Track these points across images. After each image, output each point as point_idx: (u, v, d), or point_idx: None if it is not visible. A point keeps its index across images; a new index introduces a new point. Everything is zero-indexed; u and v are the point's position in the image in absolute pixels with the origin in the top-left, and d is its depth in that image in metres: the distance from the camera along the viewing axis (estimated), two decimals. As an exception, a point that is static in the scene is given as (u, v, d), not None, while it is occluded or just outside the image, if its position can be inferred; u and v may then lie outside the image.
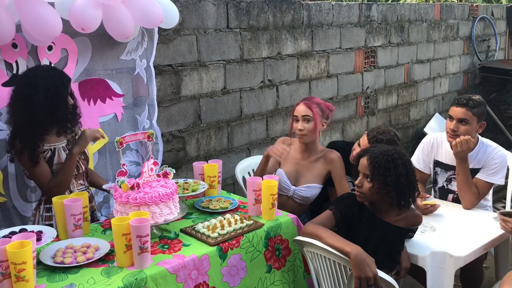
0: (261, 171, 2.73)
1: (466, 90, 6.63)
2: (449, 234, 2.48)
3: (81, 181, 2.48)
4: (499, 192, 4.32)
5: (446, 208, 2.78)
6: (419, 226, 2.30)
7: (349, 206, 2.19)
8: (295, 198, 2.71)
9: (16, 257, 1.61)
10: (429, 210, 2.70)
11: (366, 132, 2.72)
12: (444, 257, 2.27)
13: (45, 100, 2.24)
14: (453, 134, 2.76)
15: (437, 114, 6.10)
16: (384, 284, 1.95)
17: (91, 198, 2.55)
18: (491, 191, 2.97)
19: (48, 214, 2.41)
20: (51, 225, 2.34)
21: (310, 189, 2.69)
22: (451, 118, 2.78)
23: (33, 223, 2.43)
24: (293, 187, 2.70)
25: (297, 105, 2.71)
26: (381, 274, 1.95)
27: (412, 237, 2.34)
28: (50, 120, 2.29)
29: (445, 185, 2.96)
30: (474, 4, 6.56)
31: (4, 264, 1.64)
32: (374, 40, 4.99)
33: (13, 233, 1.99)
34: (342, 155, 2.75)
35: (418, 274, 2.53)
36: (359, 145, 2.71)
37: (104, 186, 2.39)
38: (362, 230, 2.17)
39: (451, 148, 2.78)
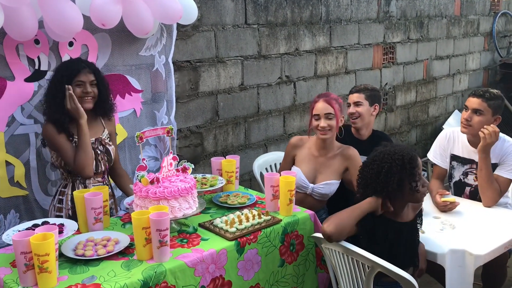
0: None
1: (486, 87, 6.53)
2: (468, 231, 2.45)
3: (99, 179, 2.49)
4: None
5: (465, 205, 2.75)
6: (439, 223, 2.28)
7: (365, 219, 2.17)
8: (314, 195, 2.71)
9: (39, 248, 1.65)
10: (448, 207, 2.67)
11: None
12: (464, 255, 2.25)
13: (49, 90, 2.35)
14: (466, 124, 2.76)
15: (456, 111, 6.03)
16: (404, 283, 1.94)
17: (110, 196, 2.53)
18: (511, 188, 2.93)
19: (59, 205, 2.43)
20: (61, 217, 2.38)
21: (328, 186, 2.68)
22: (466, 108, 2.79)
23: (48, 215, 2.47)
24: (312, 185, 2.69)
25: (316, 102, 2.69)
26: (401, 272, 1.93)
27: (420, 225, 2.30)
28: (56, 107, 2.32)
29: (462, 178, 2.93)
30: (495, 0, 6.45)
31: (28, 256, 1.67)
32: (393, 36, 4.94)
33: (36, 225, 2.03)
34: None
35: (436, 272, 2.51)
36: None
37: (125, 202, 2.35)
38: (384, 240, 2.14)
39: (468, 142, 2.80)
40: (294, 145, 2.81)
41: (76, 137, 2.37)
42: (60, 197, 2.44)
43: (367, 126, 3.04)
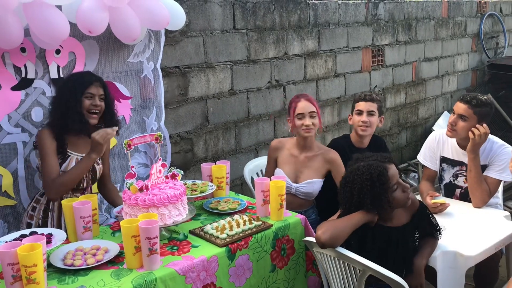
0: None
1: (474, 88, 6.58)
2: (459, 233, 2.46)
3: (78, 194, 2.43)
4: (509, 190, 4.29)
5: (455, 206, 2.76)
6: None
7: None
8: (298, 195, 2.74)
9: (26, 259, 1.63)
10: (439, 209, 2.68)
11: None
12: (455, 257, 2.25)
13: (59, 100, 2.33)
14: (451, 128, 2.80)
15: (445, 112, 6.06)
16: (395, 286, 1.94)
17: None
18: (500, 189, 2.95)
19: (32, 213, 2.41)
20: (31, 225, 2.38)
21: (311, 184, 2.72)
22: (453, 112, 2.80)
23: (22, 221, 2.44)
24: (295, 185, 2.73)
25: (297, 102, 2.73)
26: (392, 275, 1.93)
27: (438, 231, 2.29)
28: (63, 120, 2.31)
29: (452, 180, 2.95)
30: (482, 1, 6.51)
31: (15, 267, 1.65)
32: (382, 38, 4.97)
33: (23, 236, 2.01)
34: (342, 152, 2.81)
35: (428, 274, 2.51)
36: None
37: (114, 211, 2.33)
38: (373, 244, 2.14)
39: (458, 144, 2.83)
40: (275, 148, 2.86)
41: (68, 150, 2.36)
42: (34, 204, 2.42)
43: (371, 135, 3.03)
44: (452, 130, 2.79)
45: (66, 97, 2.31)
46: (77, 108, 2.31)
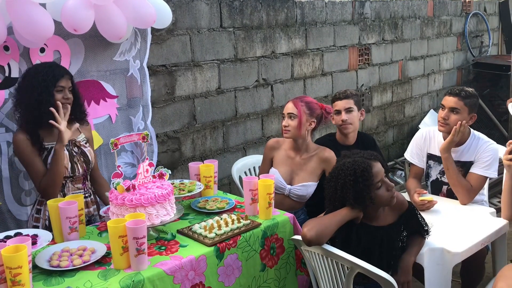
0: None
1: (460, 86, 6.65)
2: (446, 230, 2.48)
3: (79, 185, 2.44)
4: (495, 187, 4.33)
5: (442, 203, 2.79)
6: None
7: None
8: (292, 197, 2.72)
9: (11, 261, 1.60)
10: (426, 206, 2.69)
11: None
12: (442, 254, 2.27)
13: (30, 94, 2.26)
14: (443, 123, 2.79)
15: (431, 110, 6.12)
16: (383, 283, 1.95)
17: (89, 203, 2.47)
18: (486, 186, 2.97)
19: (37, 215, 2.39)
20: (38, 227, 2.34)
21: (305, 187, 2.70)
22: (443, 107, 2.82)
23: (27, 225, 2.41)
24: (289, 186, 2.71)
25: (287, 103, 2.77)
26: (380, 272, 1.94)
27: (424, 229, 2.28)
28: (36, 113, 2.27)
29: (438, 177, 2.97)
30: (467, 0, 6.58)
31: (0, 269, 1.62)
32: (368, 37, 4.99)
33: (8, 237, 1.97)
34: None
35: (415, 270, 2.53)
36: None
37: (101, 211, 2.30)
38: (357, 243, 2.14)
39: (444, 139, 2.81)
40: (271, 147, 2.85)
41: (48, 143, 2.33)
42: (38, 207, 2.39)
43: (355, 131, 3.05)
44: (445, 124, 2.78)
45: (38, 90, 2.26)
46: (50, 101, 2.28)
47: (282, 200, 2.69)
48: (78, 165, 2.41)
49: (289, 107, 2.72)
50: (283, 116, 2.75)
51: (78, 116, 2.45)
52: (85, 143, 2.49)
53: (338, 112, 3.00)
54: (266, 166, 2.86)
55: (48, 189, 2.29)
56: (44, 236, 2.03)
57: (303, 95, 2.89)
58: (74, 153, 2.41)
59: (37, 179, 2.31)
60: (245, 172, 3.36)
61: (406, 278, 2.17)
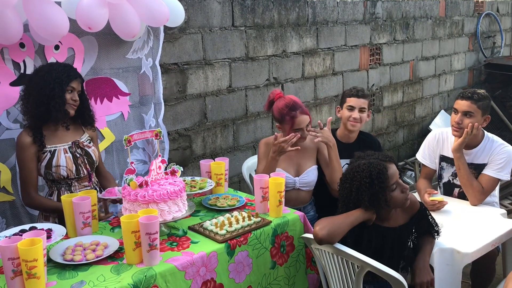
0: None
1: (471, 87, 6.61)
2: (456, 230, 2.48)
3: (86, 183, 2.47)
4: (506, 189, 4.31)
5: (453, 204, 2.78)
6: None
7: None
8: (302, 187, 2.74)
9: (27, 254, 1.63)
10: (437, 206, 2.70)
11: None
12: (452, 254, 2.27)
13: (40, 89, 2.28)
14: (457, 127, 2.77)
15: (442, 111, 6.09)
16: (393, 282, 1.95)
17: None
18: (497, 187, 2.96)
19: (46, 213, 2.43)
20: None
21: (310, 172, 2.76)
22: (455, 111, 2.80)
23: (38, 220, 2.45)
24: (296, 178, 2.74)
25: (295, 118, 2.65)
26: (391, 271, 1.94)
27: (435, 231, 2.28)
28: (44, 108, 2.29)
29: (451, 179, 2.96)
30: (479, 1, 6.53)
31: (16, 262, 1.65)
32: (379, 37, 4.98)
33: (23, 231, 2.01)
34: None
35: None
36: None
37: (99, 195, 2.34)
38: (368, 244, 2.15)
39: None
40: (266, 143, 2.81)
41: (51, 146, 2.36)
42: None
43: (358, 130, 3.07)
44: (459, 128, 2.75)
45: (51, 86, 2.28)
46: (62, 97, 2.31)
47: (294, 195, 2.72)
48: (82, 166, 2.44)
49: (307, 119, 2.68)
50: (297, 130, 2.68)
51: (86, 120, 2.48)
52: (89, 143, 2.51)
53: (351, 109, 2.98)
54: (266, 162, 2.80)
55: (28, 203, 2.39)
56: (58, 230, 2.06)
57: (295, 101, 2.71)
58: (78, 155, 2.42)
59: (24, 185, 2.34)
60: (255, 170, 3.36)
61: (430, 276, 2.16)
